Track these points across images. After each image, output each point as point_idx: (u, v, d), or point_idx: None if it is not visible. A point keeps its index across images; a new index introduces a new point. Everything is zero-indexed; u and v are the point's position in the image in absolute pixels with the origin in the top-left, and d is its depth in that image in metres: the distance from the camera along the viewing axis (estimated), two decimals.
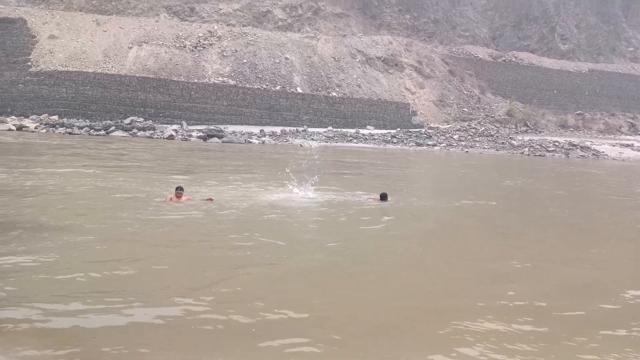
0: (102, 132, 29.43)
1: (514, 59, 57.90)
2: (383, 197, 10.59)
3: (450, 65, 53.80)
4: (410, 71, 50.22)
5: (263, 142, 30.74)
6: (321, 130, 36.56)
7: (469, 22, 63.16)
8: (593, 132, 50.82)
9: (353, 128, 39.21)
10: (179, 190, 9.12)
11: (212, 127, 32.60)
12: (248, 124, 37.32)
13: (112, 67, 37.12)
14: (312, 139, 33.12)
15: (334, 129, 37.56)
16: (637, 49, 71.60)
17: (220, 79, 40.38)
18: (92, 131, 29.23)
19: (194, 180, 12.57)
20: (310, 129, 36.43)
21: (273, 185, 11.98)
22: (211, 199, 9.51)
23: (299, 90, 42.32)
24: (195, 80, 38.83)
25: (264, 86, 41.09)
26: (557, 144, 37.24)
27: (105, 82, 35.08)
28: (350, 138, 34.79)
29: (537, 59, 59.34)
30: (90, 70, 35.62)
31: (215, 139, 29.21)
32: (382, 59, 49.96)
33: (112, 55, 38.08)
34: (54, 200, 9.43)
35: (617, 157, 34.31)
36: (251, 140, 30.46)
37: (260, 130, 34.07)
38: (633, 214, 11.94)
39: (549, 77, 57.38)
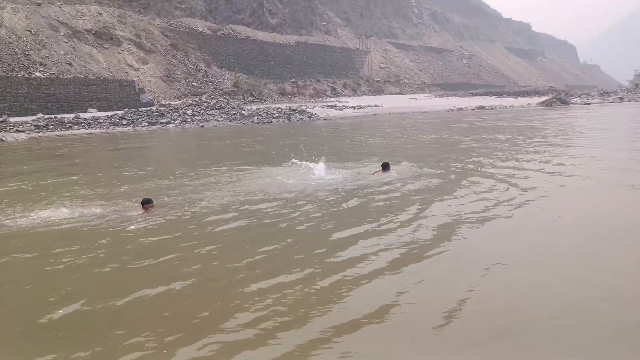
0: None
1: (232, 32, 60.65)
2: (385, 167, 10.12)
3: (171, 38, 52.43)
4: (129, 45, 46.69)
5: None
6: (28, 119, 30.55)
7: None
8: (306, 97, 58.73)
9: (71, 113, 34.25)
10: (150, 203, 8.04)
11: None
12: None
13: None
14: (18, 131, 27.37)
15: (46, 116, 31.97)
16: (329, 23, 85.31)
17: None
18: None
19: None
20: (13, 119, 29.99)
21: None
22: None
23: None
24: None
25: None
26: (280, 110, 41.41)
27: None
28: (70, 124, 30.27)
29: (253, 32, 63.79)
30: None
31: None
32: (93, 32, 44.67)
33: None
34: None
35: (326, 117, 40.65)
36: None
37: None
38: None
39: (265, 49, 62.70)
